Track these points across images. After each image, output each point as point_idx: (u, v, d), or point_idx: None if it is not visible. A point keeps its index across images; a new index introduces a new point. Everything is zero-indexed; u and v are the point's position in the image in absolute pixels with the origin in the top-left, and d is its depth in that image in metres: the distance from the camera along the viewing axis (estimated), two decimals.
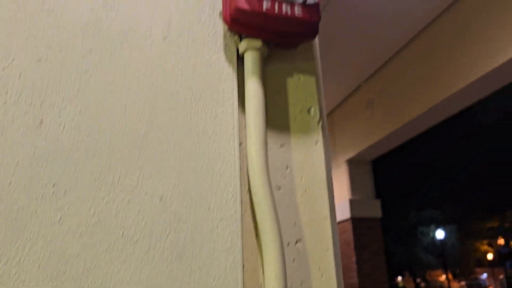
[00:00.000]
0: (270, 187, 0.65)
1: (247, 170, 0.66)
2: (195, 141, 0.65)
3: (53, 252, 0.55)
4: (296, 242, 0.67)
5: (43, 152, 0.58)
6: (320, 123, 0.75)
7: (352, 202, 5.23)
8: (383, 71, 4.64)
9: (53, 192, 0.57)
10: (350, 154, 5.31)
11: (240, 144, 0.68)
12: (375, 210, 5.38)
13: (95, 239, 0.57)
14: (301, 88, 0.75)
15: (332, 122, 5.71)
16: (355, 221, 5.16)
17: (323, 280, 0.67)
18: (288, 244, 0.67)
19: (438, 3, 3.57)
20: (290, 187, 0.70)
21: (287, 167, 0.70)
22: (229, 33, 0.72)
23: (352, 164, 5.44)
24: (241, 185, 0.66)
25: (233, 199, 0.65)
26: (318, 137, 0.74)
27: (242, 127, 0.69)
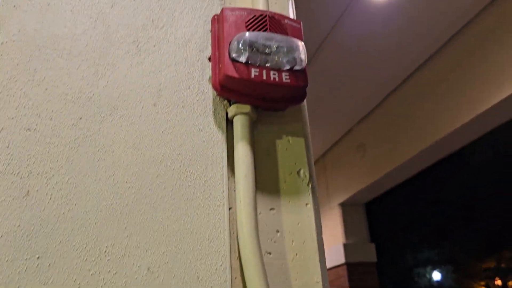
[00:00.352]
0: (260, 252, 0.63)
1: (237, 235, 0.66)
2: (184, 208, 0.64)
3: None
4: None
5: (28, 224, 0.57)
6: (310, 185, 0.75)
7: (346, 247, 5.16)
8: (373, 115, 4.71)
9: (38, 265, 0.56)
10: (343, 198, 5.28)
11: (230, 208, 0.68)
12: (370, 254, 5.29)
13: None
14: (290, 150, 0.76)
15: (324, 166, 5.72)
16: (350, 266, 5.06)
17: None
18: None
19: (426, 48, 3.69)
20: (281, 251, 0.69)
21: (277, 231, 0.70)
22: (218, 98, 0.73)
23: (345, 207, 5.40)
24: (230, 251, 0.65)
25: (223, 266, 0.63)
26: (308, 199, 0.73)
27: (231, 191, 0.69)
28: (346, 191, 5.24)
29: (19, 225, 0.57)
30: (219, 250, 0.64)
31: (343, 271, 5.07)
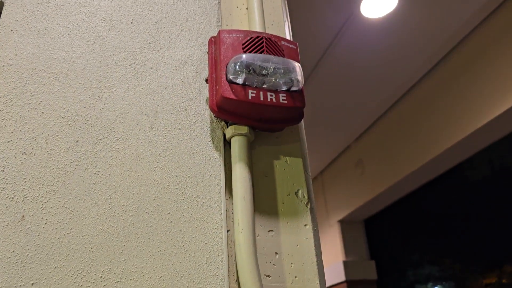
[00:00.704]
0: (259, 276, 0.63)
1: (235, 258, 0.65)
2: (182, 231, 0.64)
3: None
4: None
5: (23, 250, 0.56)
6: (309, 206, 0.74)
7: (346, 264, 5.11)
8: (372, 131, 4.72)
9: None
10: (342, 214, 5.25)
11: (228, 231, 0.67)
12: (370, 271, 5.23)
13: None
14: (288, 171, 0.75)
15: (323, 182, 5.70)
16: (351, 284, 5.00)
17: None
18: None
19: (424, 63, 3.71)
20: (280, 274, 0.68)
21: (276, 254, 0.69)
22: (215, 119, 0.73)
23: (345, 224, 5.36)
24: (229, 275, 0.64)
25: None
26: (307, 220, 0.73)
27: (229, 213, 0.68)
28: (345, 208, 5.22)
29: (13, 251, 0.56)
30: (217, 274, 0.63)
31: None
